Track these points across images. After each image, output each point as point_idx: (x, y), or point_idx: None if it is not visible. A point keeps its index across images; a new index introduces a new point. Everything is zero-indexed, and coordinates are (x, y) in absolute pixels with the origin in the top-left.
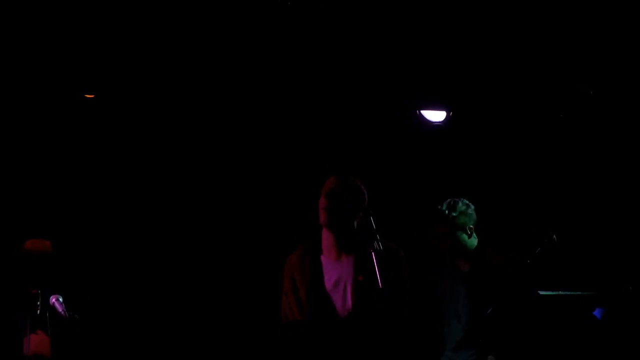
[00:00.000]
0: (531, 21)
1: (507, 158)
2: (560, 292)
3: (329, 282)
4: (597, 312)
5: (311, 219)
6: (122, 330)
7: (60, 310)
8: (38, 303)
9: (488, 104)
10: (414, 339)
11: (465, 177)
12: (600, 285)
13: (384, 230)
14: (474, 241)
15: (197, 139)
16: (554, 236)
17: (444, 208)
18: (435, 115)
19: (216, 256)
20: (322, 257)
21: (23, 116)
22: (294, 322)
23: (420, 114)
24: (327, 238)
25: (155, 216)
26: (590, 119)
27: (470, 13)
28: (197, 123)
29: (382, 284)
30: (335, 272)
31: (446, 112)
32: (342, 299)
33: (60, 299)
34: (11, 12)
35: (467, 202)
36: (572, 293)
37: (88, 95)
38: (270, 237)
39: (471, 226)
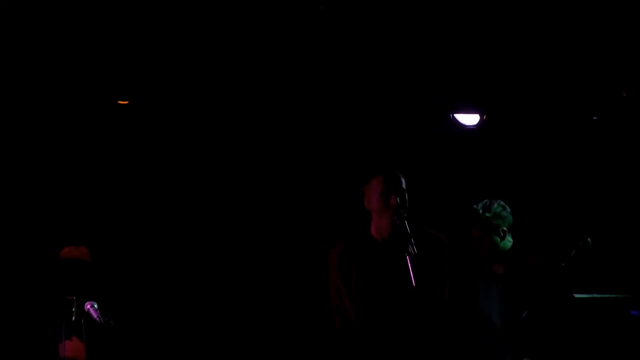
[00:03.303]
0: (565, 24)
1: (541, 160)
2: (595, 295)
3: (385, 269)
4: (635, 313)
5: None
6: (157, 337)
7: (95, 316)
8: (73, 309)
9: (521, 107)
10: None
11: (499, 180)
12: (636, 287)
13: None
14: (507, 243)
15: (230, 146)
16: (589, 239)
17: (479, 208)
18: (469, 119)
19: (254, 265)
20: (376, 246)
21: (61, 125)
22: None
23: (454, 117)
24: (380, 233)
25: (189, 225)
26: (623, 121)
27: (504, 17)
28: (230, 129)
29: (420, 278)
30: (388, 257)
31: (480, 115)
32: (398, 283)
33: (95, 305)
34: (44, 20)
35: (503, 203)
36: (607, 296)
37: (121, 102)
38: (308, 236)
39: (504, 228)
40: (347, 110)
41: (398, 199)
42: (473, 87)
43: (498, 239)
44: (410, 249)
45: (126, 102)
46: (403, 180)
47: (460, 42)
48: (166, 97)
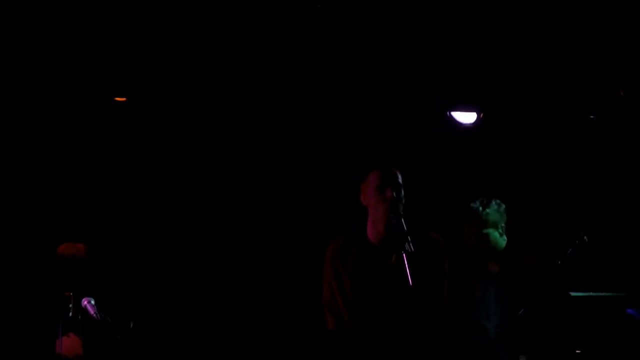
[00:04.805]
0: (563, 23)
1: (538, 159)
2: (592, 294)
3: (379, 268)
4: (631, 311)
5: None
6: (154, 333)
7: (92, 312)
8: (70, 305)
9: (519, 106)
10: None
11: (496, 179)
12: (632, 286)
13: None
14: (502, 242)
15: (229, 143)
16: (585, 237)
17: (477, 205)
18: (466, 117)
19: (253, 263)
20: (370, 246)
21: (58, 122)
22: (342, 311)
23: (451, 115)
24: (376, 228)
25: (188, 223)
26: (621, 120)
27: (502, 15)
28: (229, 127)
29: (418, 279)
30: (381, 260)
31: (477, 113)
32: (393, 282)
33: (92, 302)
34: (44, 18)
35: (498, 202)
36: (604, 294)
37: (118, 99)
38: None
39: (503, 225)
40: (345, 109)
41: (394, 192)
42: (470, 86)
43: (497, 234)
44: (407, 246)
45: (124, 99)
46: (400, 176)
47: (457, 40)
48: (164, 94)
